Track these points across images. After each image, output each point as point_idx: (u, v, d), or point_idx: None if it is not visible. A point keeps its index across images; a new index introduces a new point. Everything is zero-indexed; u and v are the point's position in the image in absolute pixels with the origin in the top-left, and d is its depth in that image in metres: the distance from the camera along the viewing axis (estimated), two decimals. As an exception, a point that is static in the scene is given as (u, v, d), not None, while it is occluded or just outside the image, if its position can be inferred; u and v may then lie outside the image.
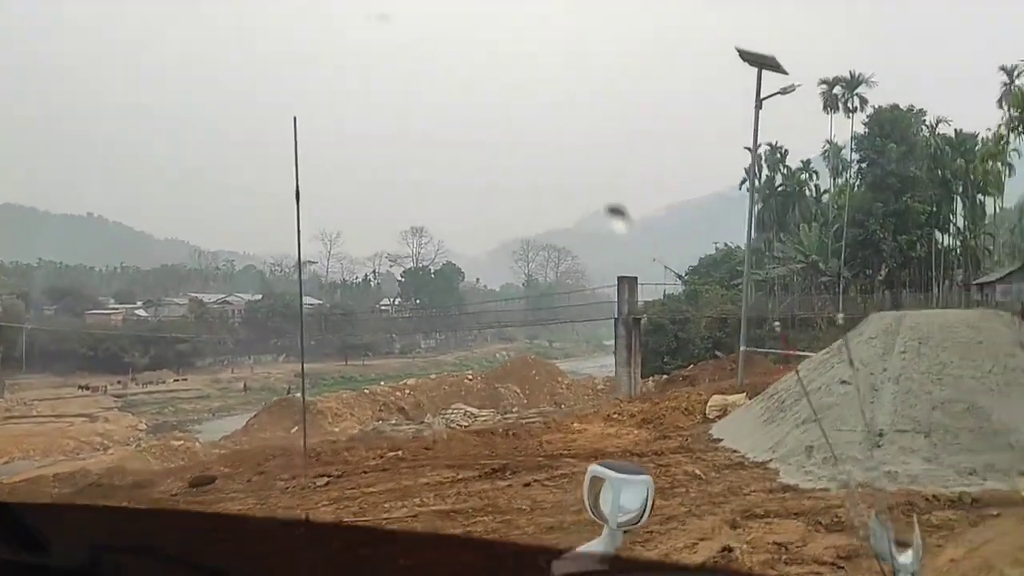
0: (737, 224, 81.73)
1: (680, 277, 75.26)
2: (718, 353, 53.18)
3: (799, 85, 24.92)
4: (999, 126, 56.58)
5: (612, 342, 53.30)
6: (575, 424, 18.71)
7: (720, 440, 15.07)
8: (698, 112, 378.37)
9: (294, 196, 13.32)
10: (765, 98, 24.02)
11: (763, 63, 24.46)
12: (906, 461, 11.18)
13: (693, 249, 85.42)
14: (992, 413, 11.98)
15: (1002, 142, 55.72)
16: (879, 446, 11.85)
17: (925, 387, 12.76)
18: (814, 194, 70.10)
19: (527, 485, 12.02)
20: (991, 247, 64.46)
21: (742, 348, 24.95)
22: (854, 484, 10.68)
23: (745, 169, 74.33)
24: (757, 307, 60.30)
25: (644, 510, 1.84)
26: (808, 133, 73.87)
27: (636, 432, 17.36)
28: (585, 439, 16.82)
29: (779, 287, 67.53)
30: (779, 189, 68.66)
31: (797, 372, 16.89)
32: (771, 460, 12.48)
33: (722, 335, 57.68)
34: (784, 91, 24.05)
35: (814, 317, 57.85)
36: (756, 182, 72.04)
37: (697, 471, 12.19)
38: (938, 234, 62.53)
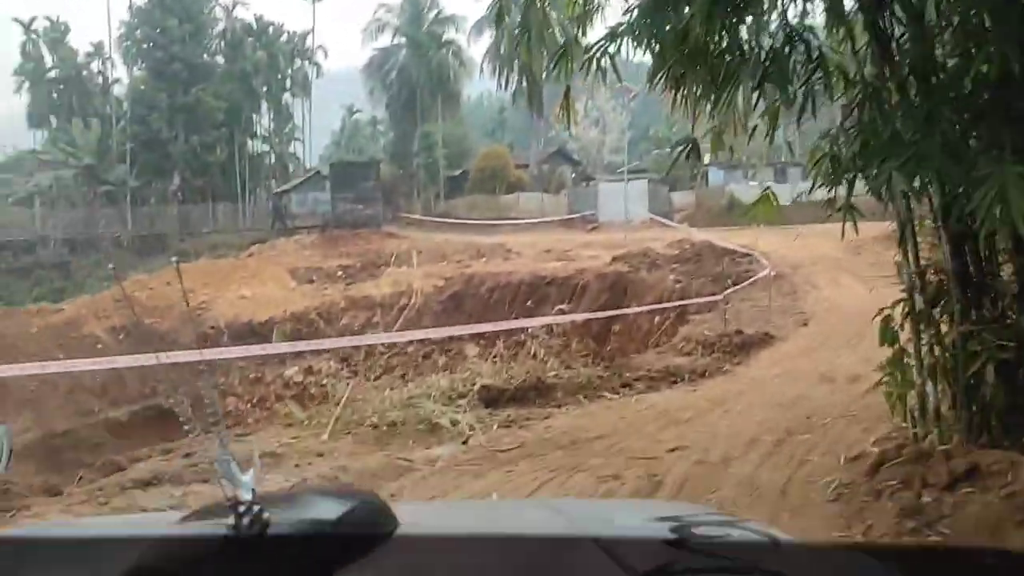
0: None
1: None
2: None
3: None
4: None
5: None
6: None
7: None
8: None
9: None
10: None
11: None
12: None
13: None
14: None
15: None
16: None
17: None
18: (106, 83, 56.08)
19: None
20: (300, 154, 60.00)
21: None
22: None
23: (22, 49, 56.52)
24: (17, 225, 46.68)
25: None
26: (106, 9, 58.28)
27: None
28: None
29: (62, 199, 53.03)
30: (51, 75, 53.05)
31: None
32: None
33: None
34: None
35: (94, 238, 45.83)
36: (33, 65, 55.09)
37: None
38: (245, 138, 55.07)
